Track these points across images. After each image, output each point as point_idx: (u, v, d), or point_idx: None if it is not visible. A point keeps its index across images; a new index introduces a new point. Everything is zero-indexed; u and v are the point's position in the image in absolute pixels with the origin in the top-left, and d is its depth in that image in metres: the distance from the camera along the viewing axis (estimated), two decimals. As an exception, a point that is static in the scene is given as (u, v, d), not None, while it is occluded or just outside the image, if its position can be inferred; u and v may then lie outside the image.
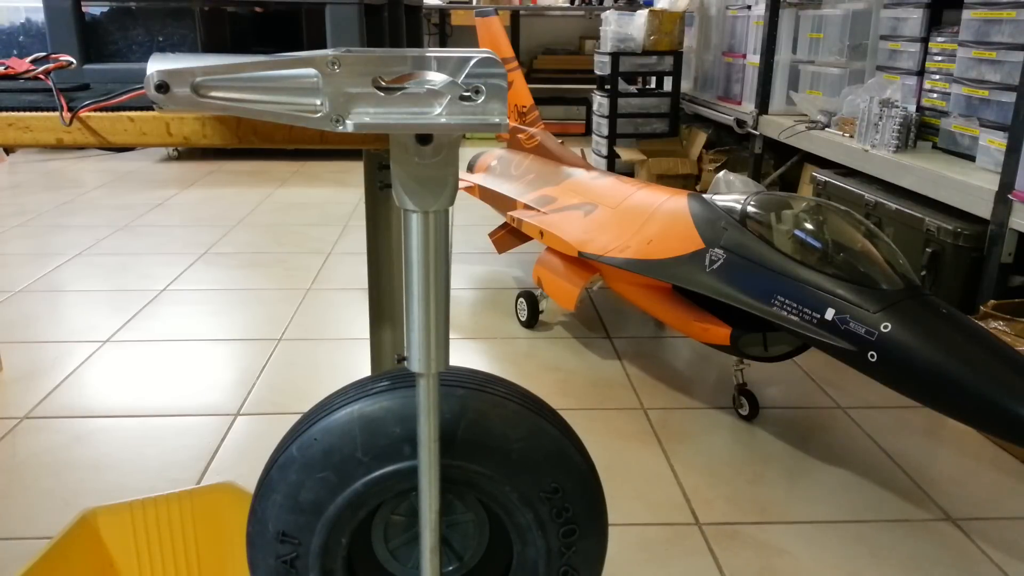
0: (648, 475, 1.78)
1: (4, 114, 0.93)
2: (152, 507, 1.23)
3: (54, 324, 2.56)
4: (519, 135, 2.94)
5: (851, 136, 3.03)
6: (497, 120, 0.68)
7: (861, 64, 3.42)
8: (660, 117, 4.54)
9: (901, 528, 1.62)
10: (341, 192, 4.41)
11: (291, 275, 3.05)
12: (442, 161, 0.72)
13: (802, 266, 1.69)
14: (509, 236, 2.71)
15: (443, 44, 6.55)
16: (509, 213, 2.57)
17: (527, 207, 2.55)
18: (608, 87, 4.47)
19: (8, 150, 4.86)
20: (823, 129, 3.25)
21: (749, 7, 4.00)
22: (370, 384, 0.87)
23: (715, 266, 1.82)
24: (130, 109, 0.93)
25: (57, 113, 0.92)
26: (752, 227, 1.81)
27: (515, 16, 6.50)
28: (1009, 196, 2.17)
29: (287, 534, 0.85)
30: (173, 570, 1.26)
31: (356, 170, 4.92)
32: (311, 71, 0.66)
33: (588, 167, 2.67)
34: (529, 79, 5.31)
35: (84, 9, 1.66)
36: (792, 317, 1.66)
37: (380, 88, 0.67)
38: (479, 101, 0.67)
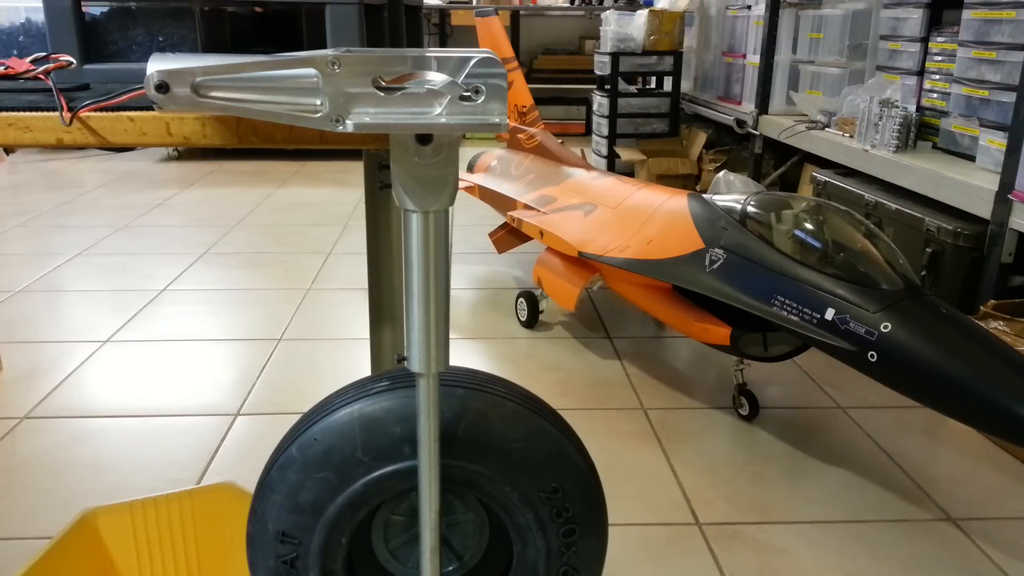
0: (648, 475, 1.78)
1: (4, 114, 0.93)
2: (152, 507, 1.23)
3: (54, 324, 2.56)
4: (519, 135, 2.94)
5: (851, 136, 3.03)
6: (497, 120, 0.68)
7: (861, 64, 3.42)
8: (660, 117, 4.54)
9: (901, 528, 1.62)
10: (341, 192, 4.41)
11: (291, 275, 3.05)
12: (442, 161, 0.72)
13: (802, 266, 1.69)
14: (509, 236, 2.71)
15: (443, 44, 6.55)
16: (509, 213, 2.57)
17: (527, 207, 2.55)
18: (608, 87, 4.47)
19: (8, 150, 4.86)
20: (823, 129, 3.25)
21: (749, 7, 4.00)
22: (370, 384, 0.87)
23: (715, 266, 1.82)
24: (130, 109, 0.93)
25: (57, 113, 0.92)
26: (752, 227, 1.81)
27: (515, 16, 6.50)
28: (1009, 196, 2.17)
29: (287, 534, 0.85)
30: (173, 570, 1.26)
31: (356, 170, 4.92)
32: (311, 71, 0.66)
33: (588, 167, 2.67)
34: (529, 79, 5.31)
35: (84, 9, 1.66)
36: (792, 317, 1.66)
37: (380, 88, 0.67)
38: (479, 101, 0.67)
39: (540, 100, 3.85)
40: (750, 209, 1.85)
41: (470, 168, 3.13)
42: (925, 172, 2.53)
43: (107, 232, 3.60)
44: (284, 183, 4.61)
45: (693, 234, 1.91)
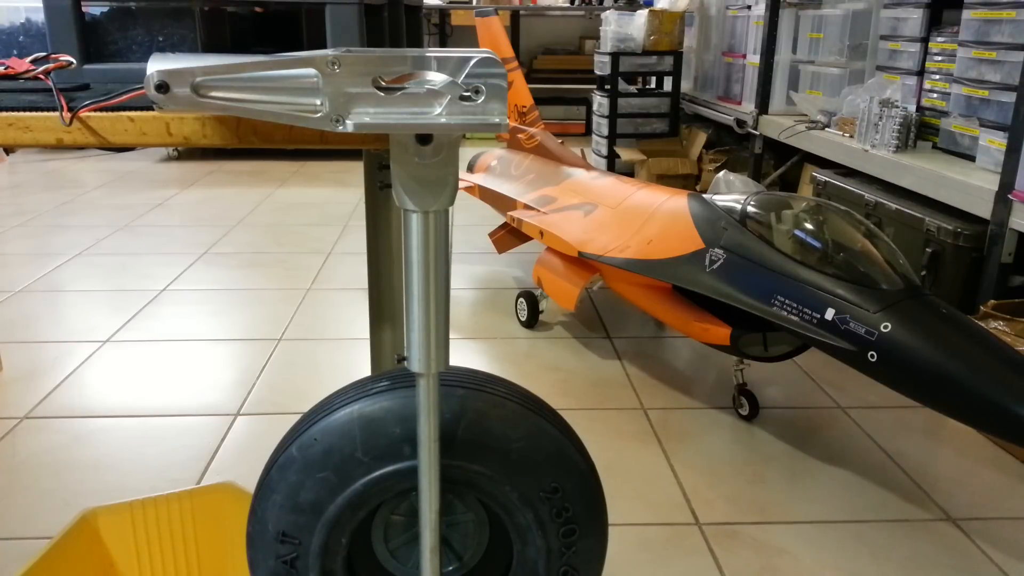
0: (648, 475, 1.78)
1: (4, 114, 0.93)
2: (152, 507, 1.23)
3: (54, 324, 2.56)
4: (519, 135, 2.94)
5: (851, 136, 3.03)
6: (497, 120, 0.68)
7: (861, 64, 3.42)
8: (660, 117, 4.53)
9: (901, 528, 1.62)
10: (341, 192, 4.41)
11: (291, 275, 3.05)
12: (442, 161, 0.72)
13: (802, 266, 1.69)
14: (509, 236, 2.71)
15: (443, 44, 6.55)
16: (509, 213, 2.57)
17: (527, 207, 2.55)
18: (608, 87, 4.47)
19: (8, 150, 4.86)
20: (823, 129, 3.25)
21: (749, 7, 4.00)
22: (370, 384, 0.87)
23: (715, 266, 1.82)
24: (130, 109, 0.93)
25: (57, 113, 0.92)
26: (752, 227, 1.81)
27: (515, 16, 6.50)
28: (1009, 196, 2.17)
29: (287, 534, 0.85)
30: (173, 570, 1.26)
31: (356, 170, 4.92)
32: (311, 71, 0.66)
33: (588, 167, 2.67)
34: (529, 79, 5.31)
35: (84, 9, 1.66)
36: (792, 317, 1.66)
37: (380, 88, 0.67)
38: (479, 101, 0.67)
39: (540, 100, 3.86)
40: (750, 209, 1.85)
41: (470, 168, 3.13)
42: (925, 172, 2.53)
43: (107, 232, 3.60)
44: (284, 183, 4.61)
45: (693, 234, 1.91)
